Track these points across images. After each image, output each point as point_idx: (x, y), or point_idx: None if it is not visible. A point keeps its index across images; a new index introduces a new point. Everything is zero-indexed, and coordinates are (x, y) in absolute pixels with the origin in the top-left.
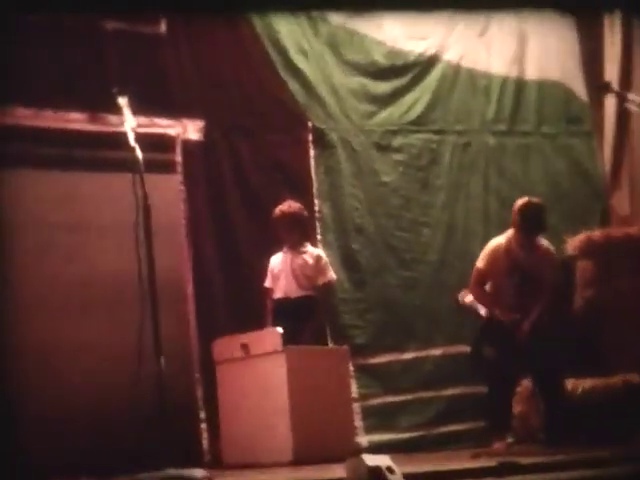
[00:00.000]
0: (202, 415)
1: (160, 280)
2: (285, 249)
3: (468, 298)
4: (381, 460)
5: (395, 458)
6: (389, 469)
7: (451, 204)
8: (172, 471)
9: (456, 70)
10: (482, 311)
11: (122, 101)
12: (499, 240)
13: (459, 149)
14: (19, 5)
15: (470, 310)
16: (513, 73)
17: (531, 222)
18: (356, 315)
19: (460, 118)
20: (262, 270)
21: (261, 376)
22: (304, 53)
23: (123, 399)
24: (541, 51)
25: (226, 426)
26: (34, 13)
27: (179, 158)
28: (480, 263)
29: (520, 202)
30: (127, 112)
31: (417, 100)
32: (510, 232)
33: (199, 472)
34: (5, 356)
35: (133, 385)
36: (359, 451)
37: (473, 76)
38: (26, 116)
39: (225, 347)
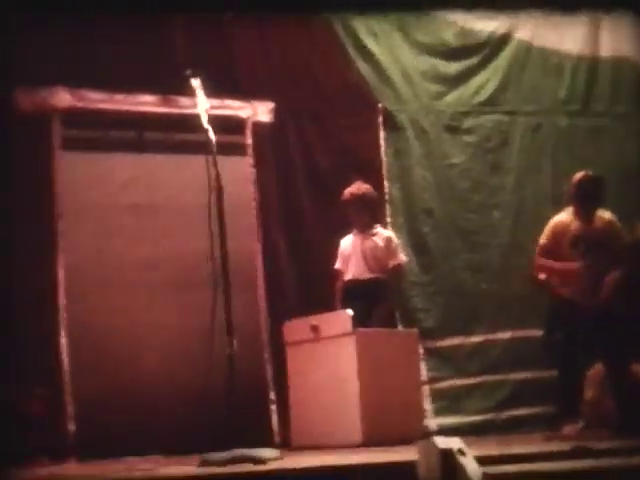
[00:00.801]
0: (272, 396)
1: (231, 261)
2: (355, 231)
3: (542, 275)
4: (452, 442)
5: (465, 441)
6: (460, 451)
7: (521, 187)
8: (243, 451)
9: (527, 49)
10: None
11: (195, 83)
12: (560, 216)
13: (530, 130)
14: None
15: (546, 287)
16: (586, 51)
17: (587, 194)
18: (425, 298)
19: (531, 99)
20: (331, 252)
21: (331, 358)
22: (374, 35)
23: (194, 380)
24: (615, 28)
25: (296, 408)
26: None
27: (249, 140)
28: (542, 239)
29: (577, 175)
30: (200, 94)
31: (488, 80)
32: (570, 208)
33: (270, 452)
34: (77, 338)
35: (205, 366)
36: (429, 434)
37: (545, 55)
38: (98, 100)
39: (295, 329)
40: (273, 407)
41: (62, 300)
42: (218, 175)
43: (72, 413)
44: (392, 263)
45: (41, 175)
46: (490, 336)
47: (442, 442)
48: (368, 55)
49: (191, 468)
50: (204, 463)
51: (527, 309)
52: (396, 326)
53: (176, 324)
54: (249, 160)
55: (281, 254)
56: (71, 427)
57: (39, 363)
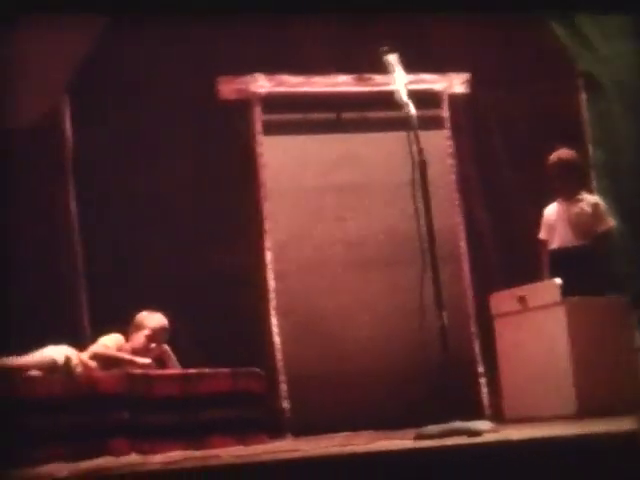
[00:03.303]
0: (480, 369)
1: (436, 236)
2: (560, 199)
3: None
4: None
5: None
6: None
7: None
8: (458, 423)
9: None
10: None
11: (392, 59)
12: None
13: None
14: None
15: None
16: None
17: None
18: (633, 264)
19: None
20: (534, 222)
21: (540, 329)
22: None
23: (404, 356)
24: None
25: (506, 380)
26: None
27: (445, 113)
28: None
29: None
30: (398, 69)
31: None
32: None
33: (485, 424)
34: (287, 318)
35: (414, 342)
36: None
37: None
38: (296, 83)
39: (502, 300)
40: (482, 380)
41: (270, 281)
42: (421, 150)
43: (285, 391)
44: (601, 228)
45: (245, 160)
46: None
47: None
48: (565, 16)
49: (407, 442)
50: (419, 437)
51: None
52: (605, 294)
53: (382, 302)
54: (446, 133)
55: (484, 226)
56: (285, 405)
57: (253, 343)
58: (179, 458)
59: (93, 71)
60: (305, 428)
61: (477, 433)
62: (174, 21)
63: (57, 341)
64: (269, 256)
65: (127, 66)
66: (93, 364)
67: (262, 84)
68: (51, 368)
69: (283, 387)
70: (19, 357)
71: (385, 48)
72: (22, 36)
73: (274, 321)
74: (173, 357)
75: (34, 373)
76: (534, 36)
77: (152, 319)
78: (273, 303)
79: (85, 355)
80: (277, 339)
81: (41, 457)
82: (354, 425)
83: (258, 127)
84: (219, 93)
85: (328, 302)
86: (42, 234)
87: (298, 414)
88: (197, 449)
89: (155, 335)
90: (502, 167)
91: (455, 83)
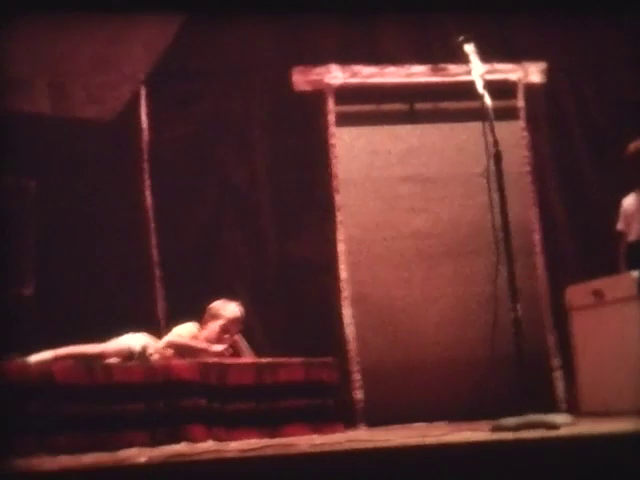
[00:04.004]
0: (555, 363)
1: (511, 227)
2: (638, 189)
3: None
4: None
5: None
6: None
7: None
8: (535, 416)
9: None
10: None
11: (469, 49)
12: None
13: None
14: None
15: None
16: None
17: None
18: None
19: None
20: (612, 213)
21: (617, 322)
22: None
23: (477, 347)
24: None
25: (582, 374)
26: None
27: (521, 103)
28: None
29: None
30: (475, 59)
31: None
32: None
33: (562, 418)
34: (359, 309)
35: (488, 333)
36: None
37: None
38: (370, 74)
39: (578, 293)
40: (557, 373)
41: (343, 272)
42: (496, 141)
43: (359, 381)
44: None
45: (318, 151)
46: None
47: None
48: None
49: (484, 434)
50: (496, 429)
51: None
52: None
53: (454, 292)
54: (521, 124)
55: (559, 218)
56: (359, 395)
57: (326, 333)
58: (255, 446)
59: (169, 63)
60: (378, 418)
61: (555, 426)
62: (250, 13)
63: (134, 330)
64: (341, 247)
65: (202, 58)
66: (169, 352)
67: (336, 75)
68: (128, 356)
69: (356, 377)
70: (97, 345)
71: (462, 38)
72: (102, 34)
73: (346, 311)
74: (245, 346)
75: (112, 361)
76: (614, 23)
77: (228, 309)
78: (345, 293)
79: (160, 344)
80: (349, 329)
81: (120, 443)
82: (427, 416)
83: (331, 118)
84: (293, 84)
85: (401, 292)
86: (119, 225)
87: (371, 404)
88: (272, 437)
89: (229, 325)
90: (580, 157)
91: (531, 72)
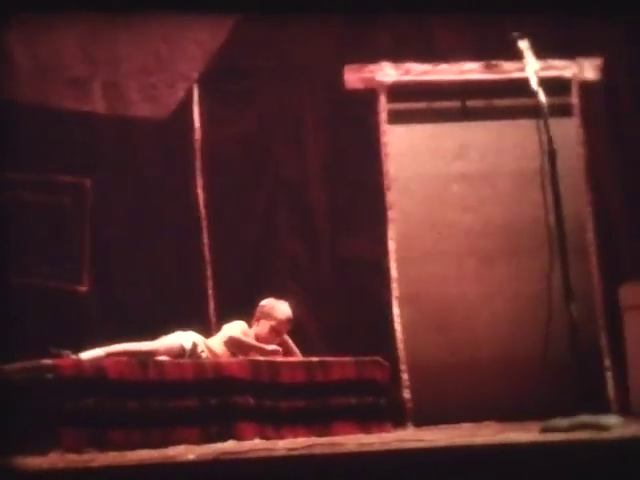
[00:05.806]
0: (607, 363)
1: (565, 226)
2: None
3: None
4: None
5: None
6: None
7: None
8: (586, 417)
9: None
10: None
11: (523, 45)
12: None
13: None
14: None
15: None
16: None
17: None
18: None
19: None
20: None
21: None
22: None
23: (528, 347)
24: None
25: (634, 374)
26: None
27: (575, 100)
28: None
29: None
30: (529, 55)
31: None
32: None
33: (614, 419)
34: (409, 308)
35: (541, 333)
36: None
37: None
38: (422, 72)
39: (632, 293)
40: (609, 374)
41: (393, 270)
42: (550, 139)
43: (407, 380)
44: None
45: (370, 149)
46: None
47: None
48: None
49: (533, 435)
50: (546, 429)
51: None
52: None
53: (506, 291)
54: (576, 121)
55: (614, 217)
56: (407, 394)
57: (376, 331)
58: (304, 444)
59: (222, 62)
60: (426, 418)
61: (606, 428)
62: (302, 12)
63: (184, 327)
64: (392, 245)
65: (254, 57)
66: (220, 350)
67: (388, 73)
68: (179, 354)
69: (404, 376)
70: (149, 342)
71: (516, 34)
72: (156, 33)
73: (396, 310)
74: (293, 347)
75: (163, 358)
76: None
77: (279, 310)
78: (396, 292)
79: (214, 341)
80: (399, 328)
81: (172, 439)
82: (475, 416)
83: (383, 116)
84: (346, 82)
85: (451, 291)
86: (172, 223)
87: (419, 404)
88: (321, 436)
89: (280, 326)
90: (636, 156)
91: (586, 69)
